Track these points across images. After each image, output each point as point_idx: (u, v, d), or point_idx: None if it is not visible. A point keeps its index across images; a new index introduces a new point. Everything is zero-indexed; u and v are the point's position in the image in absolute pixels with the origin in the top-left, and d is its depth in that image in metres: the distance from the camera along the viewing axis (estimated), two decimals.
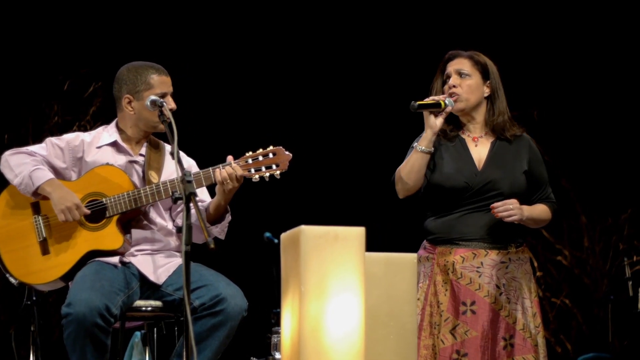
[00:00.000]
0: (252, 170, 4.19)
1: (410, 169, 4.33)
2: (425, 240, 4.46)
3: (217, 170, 4.16)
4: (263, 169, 4.20)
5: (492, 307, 4.28)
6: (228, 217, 4.34)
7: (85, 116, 8.95)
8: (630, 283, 7.25)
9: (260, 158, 4.20)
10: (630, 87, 9.92)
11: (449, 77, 4.45)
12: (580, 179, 10.34)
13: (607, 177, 10.09)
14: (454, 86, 4.41)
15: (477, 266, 4.32)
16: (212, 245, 3.53)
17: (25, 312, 4.89)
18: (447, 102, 4.36)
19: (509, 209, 4.27)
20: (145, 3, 8.78)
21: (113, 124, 4.46)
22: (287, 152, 4.23)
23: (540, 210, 4.42)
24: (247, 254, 7.66)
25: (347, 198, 8.80)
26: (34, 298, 5.08)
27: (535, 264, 10.54)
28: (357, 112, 9.08)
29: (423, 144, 4.33)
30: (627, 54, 9.93)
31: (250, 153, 4.22)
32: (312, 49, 9.08)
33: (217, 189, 4.22)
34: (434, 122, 4.33)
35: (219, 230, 4.29)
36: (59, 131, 7.74)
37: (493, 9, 9.78)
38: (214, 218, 4.29)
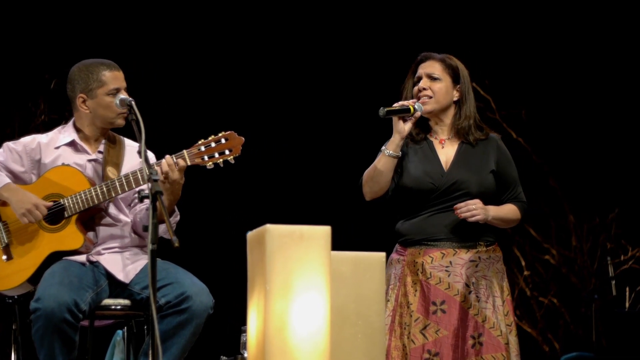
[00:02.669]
0: (206, 158, 4.16)
1: (378, 173, 4.35)
2: (397, 243, 4.47)
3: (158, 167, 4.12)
4: (216, 155, 4.16)
5: (462, 306, 4.29)
6: (175, 218, 4.32)
7: (71, 115, 8.95)
8: (613, 282, 7.24)
9: (213, 144, 4.16)
10: (617, 88, 9.93)
11: (419, 79, 4.46)
12: (568, 178, 10.35)
13: (594, 176, 10.10)
14: (424, 89, 4.42)
15: (446, 265, 4.33)
16: (176, 244, 3.54)
17: (6, 311, 4.89)
18: (416, 107, 4.36)
19: (471, 209, 4.28)
20: (127, 4, 8.80)
21: (70, 123, 4.45)
22: (239, 136, 4.20)
23: (507, 210, 4.43)
24: (222, 252, 7.67)
25: (314, 197, 8.82)
26: (16, 297, 5.08)
27: (523, 263, 10.55)
28: (324, 112, 9.09)
29: (391, 148, 4.34)
30: (615, 55, 9.94)
31: (202, 140, 4.20)
32: (279, 46, 9.10)
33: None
34: (402, 127, 4.34)
35: (164, 230, 4.19)
36: (45, 129, 7.74)
37: (482, 10, 9.78)
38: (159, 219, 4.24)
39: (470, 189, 4.36)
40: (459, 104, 4.46)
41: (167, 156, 4.15)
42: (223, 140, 4.18)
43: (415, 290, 4.32)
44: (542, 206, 10.38)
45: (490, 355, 4.26)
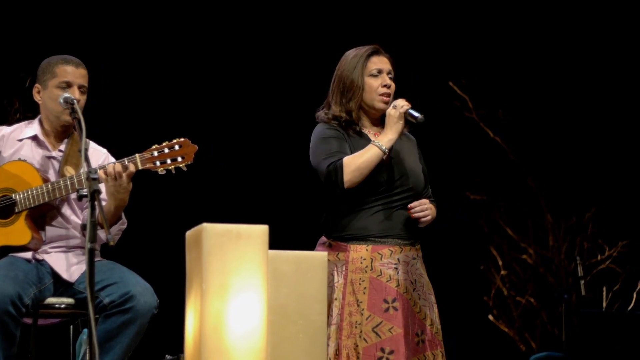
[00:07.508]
0: (158, 163, 4.17)
1: (367, 165, 4.20)
2: (326, 238, 4.36)
3: (102, 170, 4.12)
4: (168, 161, 4.18)
5: (409, 304, 4.26)
6: (121, 226, 4.30)
7: None
8: (582, 282, 7.25)
9: (166, 150, 4.17)
10: (594, 87, 9.95)
11: (380, 72, 4.37)
12: (545, 178, 10.37)
13: (572, 175, 10.12)
14: (389, 86, 4.36)
15: (395, 263, 4.27)
16: (111, 243, 3.54)
17: None
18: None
19: (424, 209, 4.28)
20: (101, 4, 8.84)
21: (37, 117, 4.47)
22: (193, 144, 4.20)
23: (434, 210, 4.42)
24: (166, 251, 7.67)
25: (254, 196, 8.82)
26: None
27: (500, 263, 10.56)
28: (260, 112, 9.11)
29: (387, 145, 4.23)
30: (593, 55, 9.95)
31: (156, 145, 4.21)
32: (217, 50, 9.14)
33: (105, 191, 4.20)
34: (402, 128, 4.29)
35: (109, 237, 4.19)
36: None
37: (459, 10, 9.80)
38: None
39: (411, 185, 4.35)
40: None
41: (117, 162, 4.14)
42: (177, 147, 4.19)
43: (364, 288, 4.24)
44: (520, 205, 10.41)
45: (431, 353, 4.26)
